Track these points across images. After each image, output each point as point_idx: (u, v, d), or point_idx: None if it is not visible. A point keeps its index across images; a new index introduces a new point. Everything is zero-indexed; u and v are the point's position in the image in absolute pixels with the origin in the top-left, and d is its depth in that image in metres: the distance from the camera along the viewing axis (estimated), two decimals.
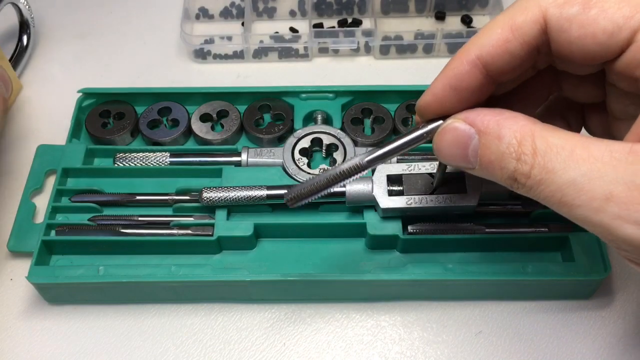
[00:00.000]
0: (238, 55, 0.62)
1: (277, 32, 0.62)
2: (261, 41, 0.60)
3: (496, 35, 0.31)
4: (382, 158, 0.34)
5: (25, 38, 0.61)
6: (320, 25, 0.64)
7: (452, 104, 0.33)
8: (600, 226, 0.27)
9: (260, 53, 0.62)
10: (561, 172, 0.27)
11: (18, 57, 0.61)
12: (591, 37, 0.28)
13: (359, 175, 0.35)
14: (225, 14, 0.65)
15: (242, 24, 0.64)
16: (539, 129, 0.29)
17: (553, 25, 0.29)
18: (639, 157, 0.26)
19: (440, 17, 0.65)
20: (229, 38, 0.60)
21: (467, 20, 0.64)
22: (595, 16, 0.28)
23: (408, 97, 0.53)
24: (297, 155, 0.50)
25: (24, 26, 0.61)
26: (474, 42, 0.31)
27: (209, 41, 0.60)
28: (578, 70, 0.32)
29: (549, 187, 0.28)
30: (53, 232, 0.47)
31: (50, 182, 0.50)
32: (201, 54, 0.62)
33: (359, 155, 0.35)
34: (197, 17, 0.65)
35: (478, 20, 0.65)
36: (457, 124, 0.31)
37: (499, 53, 0.31)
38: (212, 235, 0.46)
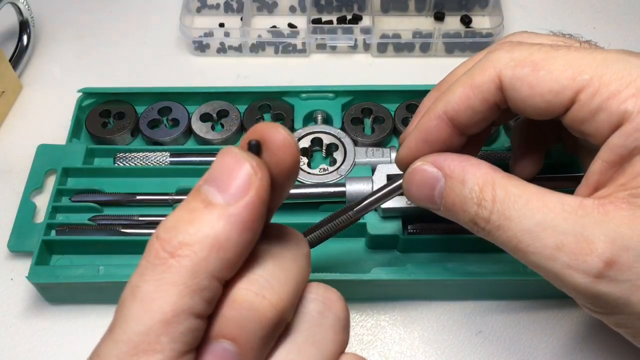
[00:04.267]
0: (236, 49, 0.62)
1: (274, 27, 0.63)
2: (259, 35, 0.60)
3: (458, 92, 0.33)
4: (370, 206, 0.38)
5: (25, 38, 0.61)
6: (318, 22, 0.64)
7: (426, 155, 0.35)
8: (552, 273, 0.29)
9: (258, 47, 0.62)
10: (517, 219, 0.30)
11: (18, 57, 0.61)
12: (539, 96, 0.31)
13: (349, 225, 0.38)
14: (226, 8, 0.65)
15: (242, 18, 0.64)
16: (499, 177, 0.31)
17: (507, 85, 0.32)
18: (587, 211, 0.29)
19: (439, 17, 0.65)
20: (227, 32, 0.60)
21: (466, 21, 0.64)
22: (543, 77, 0.31)
23: (408, 97, 0.53)
24: None
25: (23, 26, 0.61)
26: (441, 99, 0.34)
27: (208, 34, 0.60)
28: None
29: (506, 233, 0.30)
30: (53, 232, 0.47)
31: (51, 182, 0.50)
32: (200, 47, 0.62)
33: (348, 209, 0.38)
34: (198, 10, 0.65)
35: (477, 21, 0.65)
36: (426, 167, 0.34)
37: (462, 109, 0.33)
38: None
